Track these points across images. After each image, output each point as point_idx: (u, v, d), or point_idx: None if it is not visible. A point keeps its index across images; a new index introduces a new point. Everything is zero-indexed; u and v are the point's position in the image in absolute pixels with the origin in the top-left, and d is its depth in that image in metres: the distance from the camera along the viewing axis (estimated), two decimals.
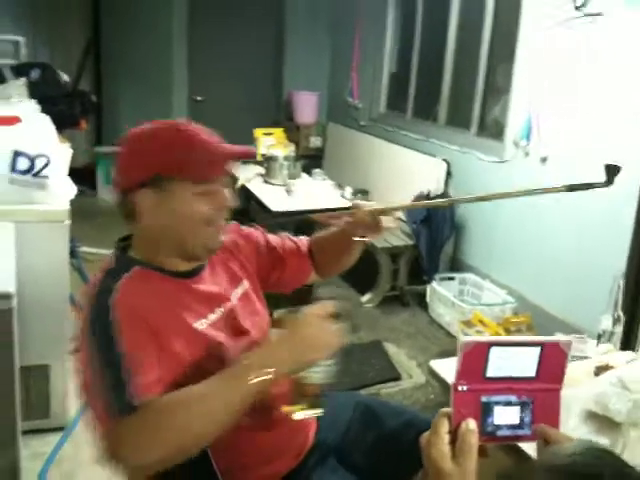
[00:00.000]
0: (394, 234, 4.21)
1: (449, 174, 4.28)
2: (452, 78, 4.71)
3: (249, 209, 5.43)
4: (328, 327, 1.20)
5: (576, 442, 0.65)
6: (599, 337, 1.97)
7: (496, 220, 4.03)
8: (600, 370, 1.67)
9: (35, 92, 3.58)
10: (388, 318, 4.00)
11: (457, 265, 4.35)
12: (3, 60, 4.21)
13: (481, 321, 3.53)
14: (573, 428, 1.43)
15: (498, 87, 4.24)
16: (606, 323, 1.96)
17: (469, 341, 0.84)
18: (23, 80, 3.66)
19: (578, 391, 1.48)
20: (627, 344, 2.01)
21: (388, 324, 3.92)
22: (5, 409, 1.90)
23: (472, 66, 4.36)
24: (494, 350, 0.84)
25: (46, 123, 2.61)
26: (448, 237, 4.16)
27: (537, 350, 0.86)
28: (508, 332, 3.49)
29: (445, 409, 0.87)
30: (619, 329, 1.95)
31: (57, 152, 2.48)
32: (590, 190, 1.34)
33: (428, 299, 4.00)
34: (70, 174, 2.65)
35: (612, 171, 1.28)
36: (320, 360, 1.18)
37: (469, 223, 4.28)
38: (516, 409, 0.87)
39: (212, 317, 1.32)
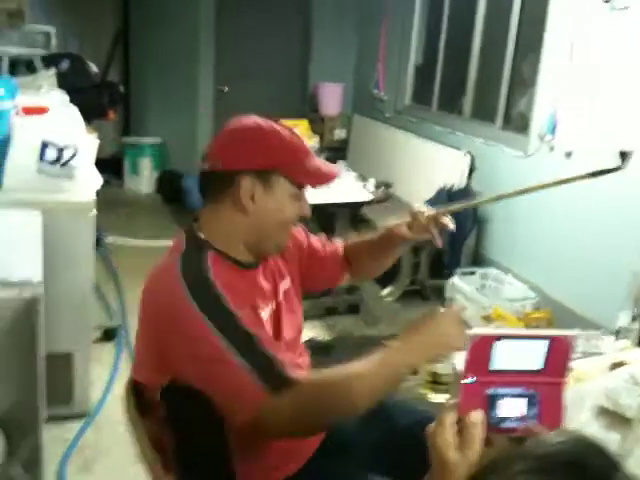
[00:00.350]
0: None
1: (473, 167, 4.26)
2: (478, 71, 4.68)
3: None
4: (460, 328, 1.25)
5: (563, 432, 0.66)
6: (616, 333, 1.97)
7: (518, 214, 4.02)
8: (615, 366, 1.68)
9: (64, 82, 3.66)
10: (408, 312, 4.01)
11: (479, 259, 4.34)
12: (34, 50, 4.30)
13: (501, 316, 3.53)
14: (584, 423, 1.44)
15: (524, 80, 4.22)
16: (623, 319, 1.96)
17: (476, 334, 0.86)
18: (53, 70, 3.73)
19: (590, 386, 1.50)
20: None
21: (408, 318, 3.93)
22: (29, 395, 1.93)
23: (498, 59, 4.33)
24: (501, 343, 0.86)
25: (74, 113, 2.67)
26: (470, 231, 4.15)
27: (544, 343, 0.87)
28: (528, 327, 3.49)
29: (452, 401, 0.89)
30: (636, 326, 1.95)
31: (84, 143, 2.54)
32: (606, 175, 1.41)
33: (449, 293, 4.01)
34: (97, 164, 2.71)
35: (625, 156, 1.40)
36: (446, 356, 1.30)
37: (491, 217, 4.27)
38: (522, 401, 0.88)
39: (267, 310, 1.38)
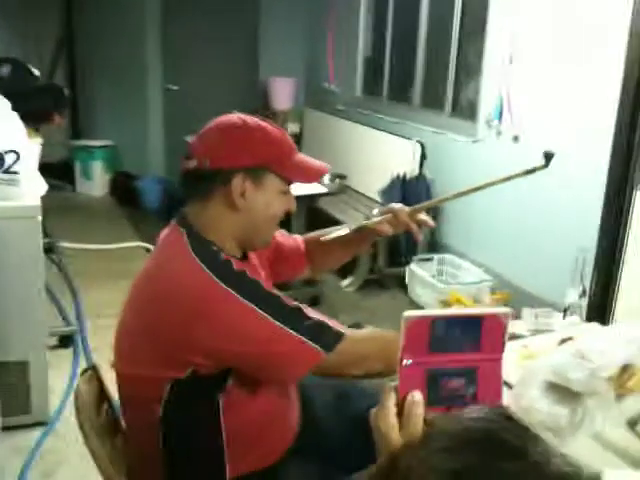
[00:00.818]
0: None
1: (424, 155, 4.31)
2: (425, 59, 4.73)
3: None
4: None
5: (479, 408, 0.67)
6: (565, 310, 2.01)
7: (471, 200, 4.05)
8: (564, 342, 1.72)
9: (5, 88, 3.56)
10: (368, 301, 4.04)
11: (435, 246, 4.39)
12: None
13: (458, 300, 3.58)
14: (534, 398, 1.47)
15: (470, 67, 4.27)
16: (572, 296, 2.00)
17: (411, 316, 0.86)
18: None
19: (540, 363, 1.53)
20: (594, 317, 2.06)
21: (368, 307, 3.96)
22: None
23: (444, 47, 4.38)
24: (436, 323, 0.87)
25: (14, 119, 2.60)
26: None
27: (477, 322, 0.89)
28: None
29: (391, 383, 0.90)
30: (584, 302, 1.99)
31: (27, 148, 2.48)
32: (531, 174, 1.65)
33: (407, 281, 4.05)
34: (46, 169, 2.66)
35: (549, 157, 1.59)
36: None
37: (446, 204, 4.31)
38: (460, 380, 0.90)
39: None
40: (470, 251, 4.11)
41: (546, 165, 1.62)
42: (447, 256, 4.15)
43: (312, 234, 1.75)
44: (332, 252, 1.73)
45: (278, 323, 1.25)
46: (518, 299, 3.58)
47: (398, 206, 1.62)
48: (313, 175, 1.44)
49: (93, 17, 5.94)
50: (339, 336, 1.29)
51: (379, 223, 1.61)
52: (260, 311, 1.24)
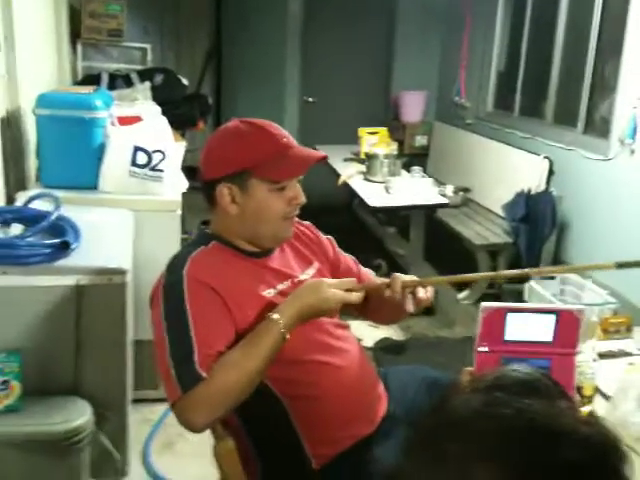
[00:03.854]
0: (494, 232, 4.24)
1: (552, 172, 4.24)
2: (559, 75, 4.64)
3: (353, 205, 5.62)
4: (330, 297, 1.39)
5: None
6: None
7: (600, 218, 3.96)
8: None
9: (158, 95, 3.93)
10: None
11: (559, 264, 4.30)
12: (131, 66, 4.63)
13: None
14: (629, 411, 1.48)
15: (606, 84, 4.16)
16: None
17: (487, 306, 0.95)
18: (148, 84, 4.02)
19: (636, 376, 1.53)
20: None
21: None
22: (118, 377, 2.12)
23: (580, 63, 4.29)
24: (511, 315, 0.95)
25: (163, 123, 2.89)
26: (548, 235, 4.12)
27: (552, 317, 0.95)
28: (607, 332, 3.43)
29: (469, 368, 0.99)
30: None
31: (172, 149, 2.75)
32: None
33: (526, 297, 3.99)
34: (190, 171, 2.92)
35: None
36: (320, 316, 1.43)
37: (572, 221, 4.22)
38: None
39: (280, 287, 1.48)
40: (595, 271, 3.98)
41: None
42: (571, 275, 4.05)
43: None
44: (376, 301, 1.57)
45: (168, 352, 1.31)
46: None
47: (397, 274, 1.48)
48: (298, 169, 1.43)
49: (238, 30, 6.30)
50: (195, 380, 1.28)
51: (377, 284, 1.53)
52: (165, 331, 1.33)
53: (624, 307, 3.65)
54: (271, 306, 1.42)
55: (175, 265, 1.40)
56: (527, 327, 0.96)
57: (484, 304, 0.95)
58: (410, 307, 1.45)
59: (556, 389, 0.61)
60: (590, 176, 4.04)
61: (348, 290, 1.44)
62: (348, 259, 1.71)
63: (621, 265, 1.48)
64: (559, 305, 0.98)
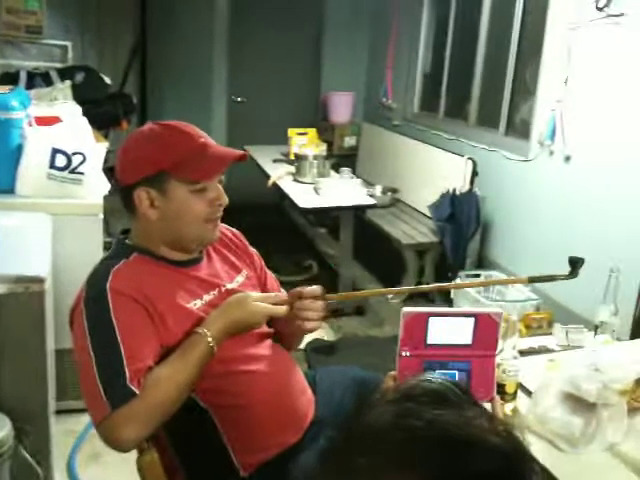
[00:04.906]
0: (421, 232, 4.31)
1: (475, 173, 4.35)
2: (482, 78, 4.77)
3: (283, 206, 5.61)
4: (256, 310, 1.40)
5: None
6: (596, 328, 2.04)
7: (520, 217, 4.09)
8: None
9: (79, 94, 3.81)
10: None
11: (483, 262, 4.41)
12: (51, 64, 4.48)
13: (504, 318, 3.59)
14: (550, 407, 1.52)
15: (526, 87, 4.30)
16: (603, 315, 2.03)
17: (409, 311, 0.96)
18: (68, 83, 3.89)
19: (557, 373, 1.58)
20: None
21: None
22: (39, 388, 2.03)
23: (501, 67, 4.42)
24: (432, 320, 0.96)
25: (84, 123, 2.80)
26: (473, 234, 4.23)
27: (471, 320, 0.97)
28: (529, 328, 3.55)
29: (392, 372, 0.99)
30: (616, 320, 2.02)
31: (93, 150, 2.67)
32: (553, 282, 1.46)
33: (452, 295, 4.08)
34: (114, 172, 2.84)
35: (576, 264, 1.44)
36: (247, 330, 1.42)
37: (496, 220, 4.34)
38: (454, 373, 0.98)
39: (207, 297, 1.44)
40: (518, 269, 4.11)
41: (572, 274, 1.46)
42: (494, 273, 4.16)
43: None
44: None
45: (95, 369, 1.26)
46: (563, 319, 3.56)
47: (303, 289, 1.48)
48: (217, 168, 1.40)
49: (164, 28, 6.19)
50: (126, 396, 1.25)
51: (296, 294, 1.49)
52: (89, 347, 1.28)
53: (545, 303, 3.78)
54: (197, 319, 1.39)
55: (97, 279, 1.35)
56: (448, 331, 0.97)
57: (405, 309, 0.95)
58: (308, 325, 1.47)
59: (467, 397, 0.61)
60: (512, 176, 4.17)
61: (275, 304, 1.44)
62: (273, 278, 1.70)
63: (533, 280, 1.57)
64: (477, 309, 1.01)
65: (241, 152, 1.47)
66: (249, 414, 1.45)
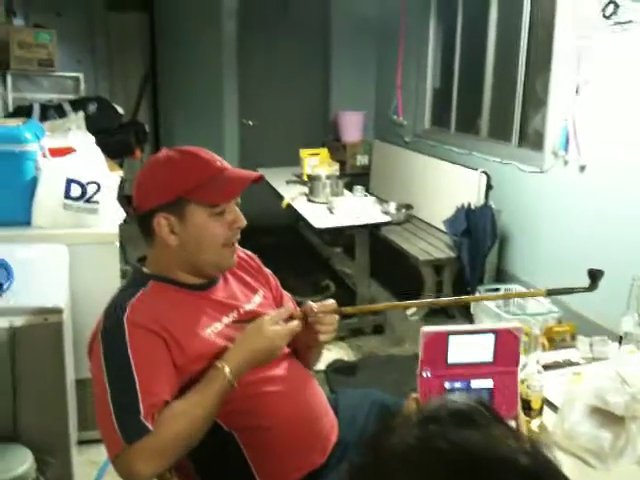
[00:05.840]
0: (437, 247, 4.29)
1: (489, 186, 4.32)
2: (492, 91, 4.76)
3: (298, 226, 5.61)
4: (275, 335, 1.36)
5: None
6: (620, 339, 2.01)
7: (540, 229, 4.05)
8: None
9: (92, 125, 3.86)
10: None
11: (502, 276, 4.37)
12: (63, 95, 4.54)
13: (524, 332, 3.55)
14: (577, 422, 1.49)
15: (537, 97, 4.28)
16: (627, 325, 1.99)
17: (428, 331, 0.94)
18: (81, 113, 3.94)
19: (583, 386, 1.54)
20: None
21: None
22: (60, 419, 2.03)
23: (511, 79, 4.41)
24: (452, 338, 0.94)
25: (98, 153, 2.83)
26: (490, 248, 4.19)
27: (491, 336, 0.95)
28: (552, 341, 3.50)
29: (414, 394, 0.97)
30: (639, 330, 1.98)
31: (107, 179, 2.68)
32: (572, 294, 1.45)
33: (472, 310, 4.04)
34: (129, 201, 2.85)
35: (596, 276, 1.43)
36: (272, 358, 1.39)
37: (513, 233, 4.31)
38: (476, 392, 0.96)
39: (226, 320, 1.44)
40: (537, 281, 4.06)
41: (592, 287, 1.45)
42: (514, 286, 4.12)
43: None
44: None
45: (110, 402, 1.26)
46: (586, 331, 3.51)
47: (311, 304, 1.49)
48: (234, 190, 1.40)
49: (173, 56, 6.27)
50: (141, 432, 1.24)
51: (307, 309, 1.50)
52: (106, 380, 1.28)
53: (567, 315, 3.73)
54: (216, 347, 1.38)
55: (114, 311, 1.34)
56: (468, 349, 0.95)
57: (424, 329, 0.94)
58: (323, 337, 1.48)
59: (492, 416, 0.59)
60: (527, 188, 4.14)
61: (288, 319, 1.42)
62: (288, 297, 1.69)
63: (551, 292, 1.54)
64: (497, 325, 0.99)
65: (258, 173, 1.47)
66: (273, 435, 1.43)
